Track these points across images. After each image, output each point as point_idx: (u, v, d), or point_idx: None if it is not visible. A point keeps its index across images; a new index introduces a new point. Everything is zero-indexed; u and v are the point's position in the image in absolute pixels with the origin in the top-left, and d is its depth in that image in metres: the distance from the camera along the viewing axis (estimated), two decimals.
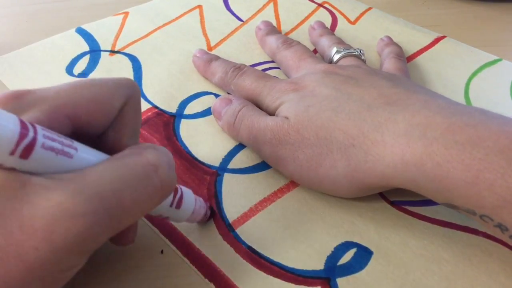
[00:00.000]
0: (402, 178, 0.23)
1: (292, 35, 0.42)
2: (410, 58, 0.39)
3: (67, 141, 0.17)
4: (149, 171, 0.19)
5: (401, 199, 0.28)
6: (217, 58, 0.36)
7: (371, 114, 0.25)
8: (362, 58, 0.35)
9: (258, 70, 0.33)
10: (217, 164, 0.30)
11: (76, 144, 0.18)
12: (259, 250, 0.25)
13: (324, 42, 0.38)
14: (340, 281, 0.24)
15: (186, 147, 0.31)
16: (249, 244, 0.25)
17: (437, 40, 0.41)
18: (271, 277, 0.24)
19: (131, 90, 0.21)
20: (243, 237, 0.25)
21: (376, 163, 0.24)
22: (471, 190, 0.21)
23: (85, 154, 0.18)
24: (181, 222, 0.24)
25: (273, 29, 0.40)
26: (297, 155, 0.26)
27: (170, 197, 0.22)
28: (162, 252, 0.25)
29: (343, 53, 0.35)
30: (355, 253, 0.25)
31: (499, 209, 0.20)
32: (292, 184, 0.28)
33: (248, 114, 0.29)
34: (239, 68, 0.34)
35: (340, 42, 0.37)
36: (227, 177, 0.29)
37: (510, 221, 0.20)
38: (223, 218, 0.26)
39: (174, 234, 0.26)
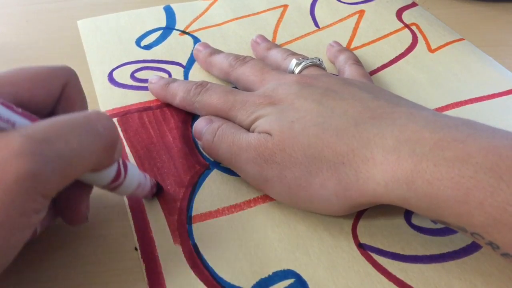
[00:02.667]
0: (393, 196, 0.23)
1: (361, 50, 0.40)
2: (478, 100, 0.35)
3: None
4: (91, 118, 0.20)
5: (372, 245, 0.25)
6: (174, 80, 0.34)
7: (359, 130, 0.24)
8: (323, 66, 0.33)
9: (223, 85, 0.32)
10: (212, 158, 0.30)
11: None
12: (201, 250, 0.25)
13: (276, 54, 0.35)
14: None
15: (193, 135, 0.31)
16: (196, 241, 0.25)
17: None
18: (198, 280, 0.24)
19: (69, 72, 0.23)
20: (194, 233, 0.26)
21: (367, 181, 0.23)
22: (462, 209, 0.20)
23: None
24: (127, 194, 0.26)
25: (214, 50, 0.37)
26: (285, 175, 0.25)
27: (115, 166, 0.23)
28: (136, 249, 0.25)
29: (304, 63, 0.32)
30: (290, 285, 0.23)
31: (490, 228, 0.20)
32: (269, 196, 0.28)
33: (228, 132, 0.28)
34: (201, 85, 0.31)
35: (293, 53, 0.35)
36: (214, 173, 0.29)
37: (500, 239, 0.20)
38: (187, 209, 0.27)
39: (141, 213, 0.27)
